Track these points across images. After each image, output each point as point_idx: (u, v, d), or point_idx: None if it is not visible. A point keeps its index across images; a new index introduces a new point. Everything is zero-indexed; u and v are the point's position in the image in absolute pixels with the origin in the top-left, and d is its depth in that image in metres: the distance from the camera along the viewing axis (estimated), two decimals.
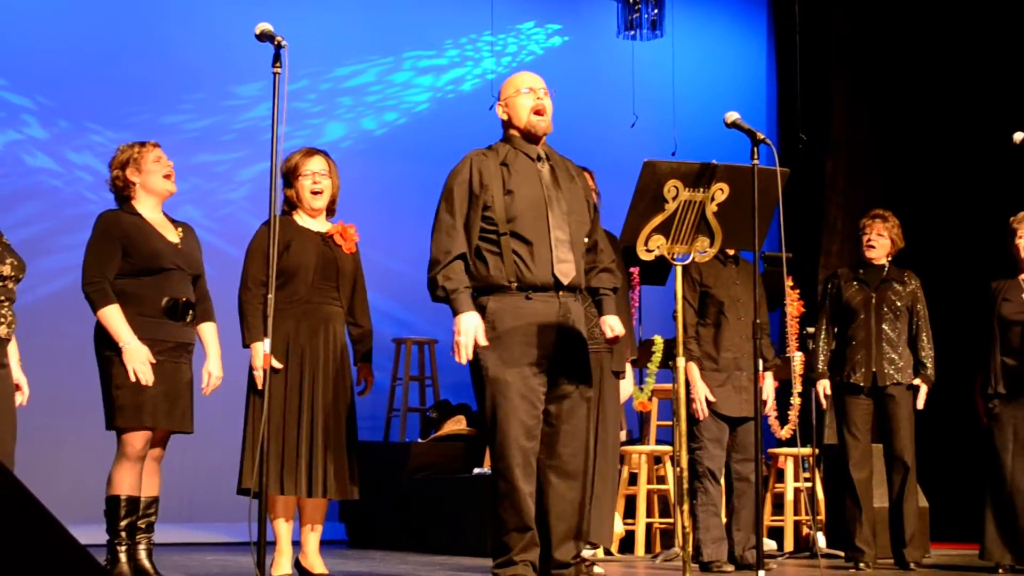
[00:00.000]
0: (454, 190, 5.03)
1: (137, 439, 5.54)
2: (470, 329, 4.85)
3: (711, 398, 6.83)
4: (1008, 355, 6.91)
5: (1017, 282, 7.01)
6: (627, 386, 6.73)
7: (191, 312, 5.72)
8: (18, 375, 5.42)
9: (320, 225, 6.03)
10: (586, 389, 5.08)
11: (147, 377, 5.49)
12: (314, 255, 5.90)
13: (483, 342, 4.85)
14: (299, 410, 5.77)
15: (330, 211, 6.10)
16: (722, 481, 6.94)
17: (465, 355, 4.85)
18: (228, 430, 6.80)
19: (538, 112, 5.12)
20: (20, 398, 5.42)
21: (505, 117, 5.21)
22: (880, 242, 7.15)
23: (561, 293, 4.99)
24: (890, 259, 7.21)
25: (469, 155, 5.10)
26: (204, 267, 5.91)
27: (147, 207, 5.77)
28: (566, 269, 4.99)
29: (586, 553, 6.30)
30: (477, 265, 5.01)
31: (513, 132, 5.18)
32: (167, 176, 5.80)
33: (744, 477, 6.93)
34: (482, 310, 4.97)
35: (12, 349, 5.40)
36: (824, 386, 7.16)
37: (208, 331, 5.87)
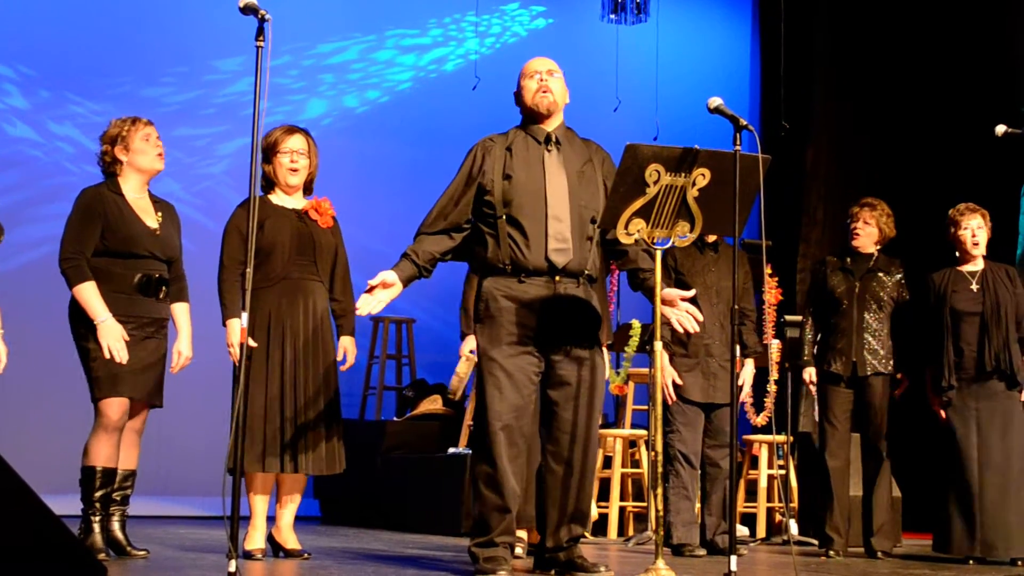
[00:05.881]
0: (458, 173, 5.17)
1: (114, 409, 5.53)
2: (380, 277, 4.94)
3: (679, 381, 6.85)
4: (964, 346, 6.88)
5: (962, 273, 6.96)
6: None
7: (164, 288, 5.71)
8: None
9: (296, 203, 6.03)
10: (586, 376, 5.08)
11: (121, 355, 5.49)
12: (289, 232, 5.90)
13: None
14: (280, 386, 5.77)
15: (307, 189, 6.11)
16: (697, 466, 6.96)
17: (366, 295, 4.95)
18: (206, 405, 6.80)
19: (541, 91, 5.21)
20: None
21: (520, 102, 5.31)
22: (866, 231, 7.10)
23: (557, 278, 5.04)
24: (879, 248, 7.16)
25: (479, 141, 5.22)
26: (181, 249, 5.90)
27: (132, 186, 5.76)
28: (561, 254, 5.04)
29: None
30: (478, 247, 5.13)
31: (525, 115, 5.30)
32: (156, 155, 5.79)
33: (715, 463, 6.97)
34: (480, 290, 5.09)
35: None
36: (810, 373, 7.15)
37: (181, 311, 5.87)
